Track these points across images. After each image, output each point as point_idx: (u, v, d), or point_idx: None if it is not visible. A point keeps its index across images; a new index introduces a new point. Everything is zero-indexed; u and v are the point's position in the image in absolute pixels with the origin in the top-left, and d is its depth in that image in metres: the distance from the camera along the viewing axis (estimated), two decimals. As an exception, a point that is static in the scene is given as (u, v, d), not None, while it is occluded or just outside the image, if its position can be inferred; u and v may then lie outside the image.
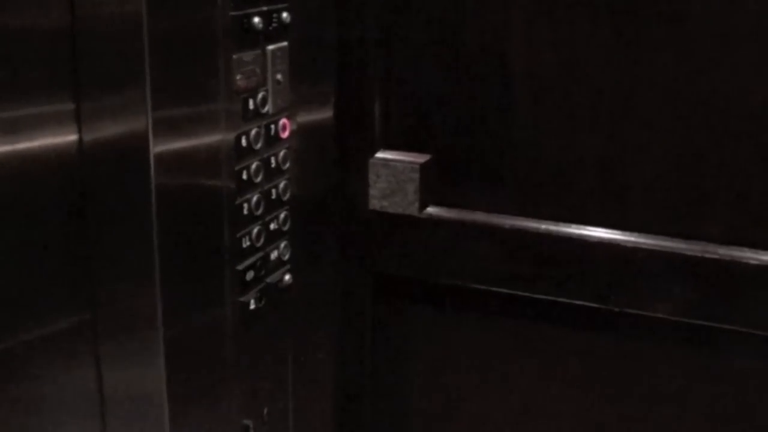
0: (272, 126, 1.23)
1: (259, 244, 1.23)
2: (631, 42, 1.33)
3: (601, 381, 1.50)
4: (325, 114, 1.40)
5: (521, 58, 1.40)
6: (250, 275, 1.21)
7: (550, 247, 1.42)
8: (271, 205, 1.25)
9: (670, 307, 1.37)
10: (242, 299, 1.20)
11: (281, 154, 1.26)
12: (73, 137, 1.01)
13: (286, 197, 1.28)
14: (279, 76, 1.23)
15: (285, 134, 1.26)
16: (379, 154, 1.49)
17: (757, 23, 1.27)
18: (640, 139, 1.36)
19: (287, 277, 1.29)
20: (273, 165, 1.24)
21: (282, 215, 1.28)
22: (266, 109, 1.21)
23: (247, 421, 1.27)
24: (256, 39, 1.17)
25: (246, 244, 1.20)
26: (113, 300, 1.06)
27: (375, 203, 1.49)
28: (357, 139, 1.48)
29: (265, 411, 1.32)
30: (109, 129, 1.00)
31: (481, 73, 1.42)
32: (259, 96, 1.19)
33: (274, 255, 1.27)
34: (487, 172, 1.46)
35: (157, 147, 1.00)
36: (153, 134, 0.99)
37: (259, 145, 1.20)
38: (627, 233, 1.39)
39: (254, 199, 1.21)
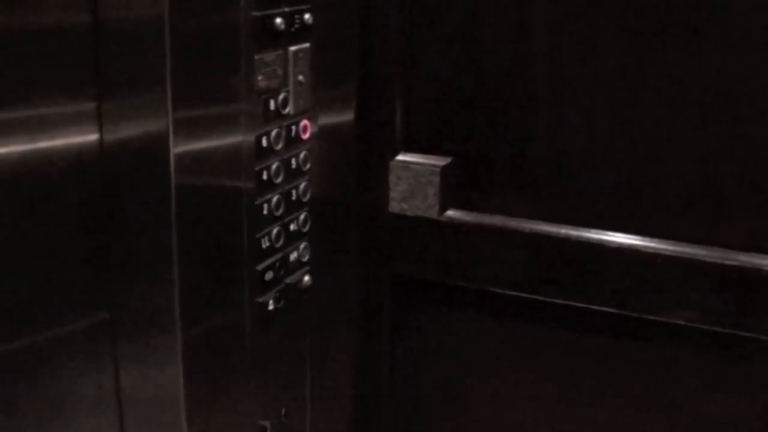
0: (293, 127, 1.23)
1: (278, 245, 1.23)
2: (652, 47, 1.33)
3: (619, 387, 1.49)
4: (346, 116, 1.40)
5: (542, 63, 1.40)
6: (269, 276, 1.21)
7: (569, 251, 1.41)
8: (291, 206, 1.25)
9: (689, 313, 1.37)
10: (261, 300, 1.21)
11: (302, 155, 1.26)
12: (94, 137, 1.02)
13: (306, 198, 1.28)
14: (300, 78, 1.23)
15: (306, 135, 1.26)
16: (400, 157, 1.49)
17: (781, 29, 1.27)
18: (660, 144, 1.36)
19: (306, 278, 1.29)
20: (293, 166, 1.24)
21: (302, 216, 1.28)
22: (287, 110, 1.21)
23: (265, 422, 1.27)
24: (278, 40, 1.17)
25: (265, 244, 1.20)
26: (132, 300, 1.07)
27: (395, 206, 1.49)
28: (378, 142, 1.48)
29: (283, 412, 1.32)
30: (130, 129, 1.01)
31: (503, 77, 1.42)
32: (281, 97, 1.19)
33: (293, 256, 1.27)
34: (507, 176, 1.45)
35: (178, 147, 1.01)
36: (173, 134, 1.00)
37: (279, 146, 1.20)
38: (646, 239, 1.38)
39: (274, 199, 1.21)
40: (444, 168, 1.46)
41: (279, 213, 1.22)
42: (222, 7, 1.07)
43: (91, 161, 1.02)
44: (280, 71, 1.18)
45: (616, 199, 1.40)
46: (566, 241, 1.42)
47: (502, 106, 1.43)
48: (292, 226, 1.26)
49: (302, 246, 1.29)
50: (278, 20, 1.16)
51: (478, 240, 1.47)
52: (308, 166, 1.27)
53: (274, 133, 1.19)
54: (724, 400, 1.44)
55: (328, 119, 1.33)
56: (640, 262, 1.37)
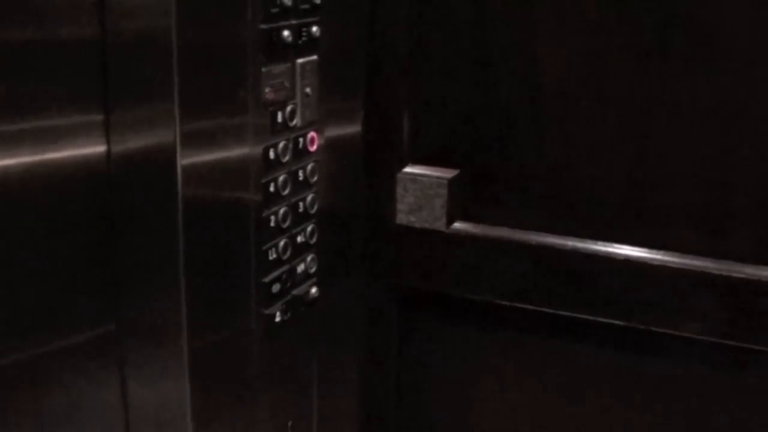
0: (300, 139, 1.23)
1: (285, 257, 1.23)
2: (660, 60, 1.33)
3: (626, 399, 1.49)
4: (354, 128, 1.40)
5: (550, 75, 1.40)
6: (276, 288, 1.21)
7: (577, 264, 1.41)
8: (298, 218, 1.25)
9: (696, 326, 1.37)
10: (268, 312, 1.21)
11: (309, 167, 1.26)
12: (101, 148, 1.02)
13: (313, 210, 1.28)
14: (308, 90, 1.23)
15: (313, 147, 1.27)
16: (407, 169, 1.49)
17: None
18: (668, 156, 1.36)
19: (313, 290, 1.29)
20: (300, 178, 1.25)
21: (309, 228, 1.28)
22: (294, 122, 1.21)
23: (271, 434, 1.28)
24: (285, 52, 1.18)
25: (272, 256, 1.20)
26: (139, 311, 1.07)
27: (402, 218, 1.49)
28: (385, 154, 1.48)
29: (290, 424, 1.32)
30: (138, 141, 1.01)
31: (510, 89, 1.42)
32: (288, 109, 1.20)
33: (300, 268, 1.27)
34: (514, 188, 1.46)
35: (185, 159, 1.01)
36: (181, 146, 1.00)
37: (286, 158, 1.20)
38: (654, 251, 1.38)
39: (281, 211, 1.21)
40: (451, 180, 1.46)
41: (286, 225, 1.22)
42: (230, 19, 1.07)
43: (99, 173, 1.02)
44: (287, 83, 1.19)
45: (623, 211, 1.40)
46: (573, 253, 1.42)
47: (509, 118, 1.43)
48: (299, 238, 1.26)
49: (309, 258, 1.29)
50: (286, 33, 1.16)
51: (486, 252, 1.47)
52: (315, 178, 1.28)
53: (281, 145, 1.19)
54: (732, 412, 1.44)
55: (335, 131, 1.33)
56: (647, 275, 1.37)
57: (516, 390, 1.57)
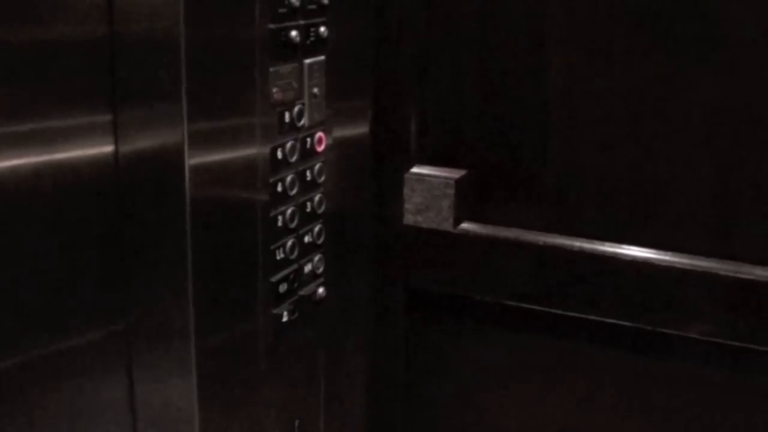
0: (308, 139, 1.23)
1: (293, 257, 1.23)
2: (668, 62, 1.33)
3: (633, 400, 1.49)
4: (361, 128, 1.40)
5: (557, 75, 1.40)
6: (283, 288, 1.21)
7: (584, 264, 1.41)
8: (306, 218, 1.25)
9: (703, 327, 1.37)
10: (275, 311, 1.21)
11: (316, 167, 1.26)
12: (109, 149, 1.02)
13: (320, 210, 1.28)
14: (315, 90, 1.23)
15: (321, 148, 1.27)
16: (415, 169, 1.49)
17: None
18: (675, 157, 1.36)
19: (321, 290, 1.29)
20: (308, 178, 1.25)
21: (316, 228, 1.28)
22: (302, 122, 1.21)
23: (278, 434, 1.28)
24: (293, 52, 1.18)
25: (280, 256, 1.21)
26: (147, 311, 1.07)
27: (409, 218, 1.49)
28: (392, 154, 1.48)
29: (297, 423, 1.32)
30: (146, 141, 1.01)
31: (518, 90, 1.42)
32: (296, 109, 1.20)
33: (307, 268, 1.27)
34: (522, 189, 1.45)
35: (193, 159, 1.01)
36: (189, 146, 1.00)
37: (294, 158, 1.21)
38: (661, 252, 1.38)
39: (289, 211, 1.21)
40: (459, 180, 1.46)
41: (293, 225, 1.22)
42: (237, 19, 1.07)
43: (107, 173, 1.02)
44: (295, 84, 1.19)
45: (630, 212, 1.40)
46: (580, 254, 1.41)
47: (516, 118, 1.43)
48: (306, 238, 1.26)
49: (316, 258, 1.29)
50: (293, 33, 1.16)
51: (493, 252, 1.47)
52: (323, 178, 1.28)
53: (289, 145, 1.19)
54: (739, 414, 1.43)
55: (342, 131, 1.33)
56: (654, 276, 1.37)
57: (522, 390, 1.56)
